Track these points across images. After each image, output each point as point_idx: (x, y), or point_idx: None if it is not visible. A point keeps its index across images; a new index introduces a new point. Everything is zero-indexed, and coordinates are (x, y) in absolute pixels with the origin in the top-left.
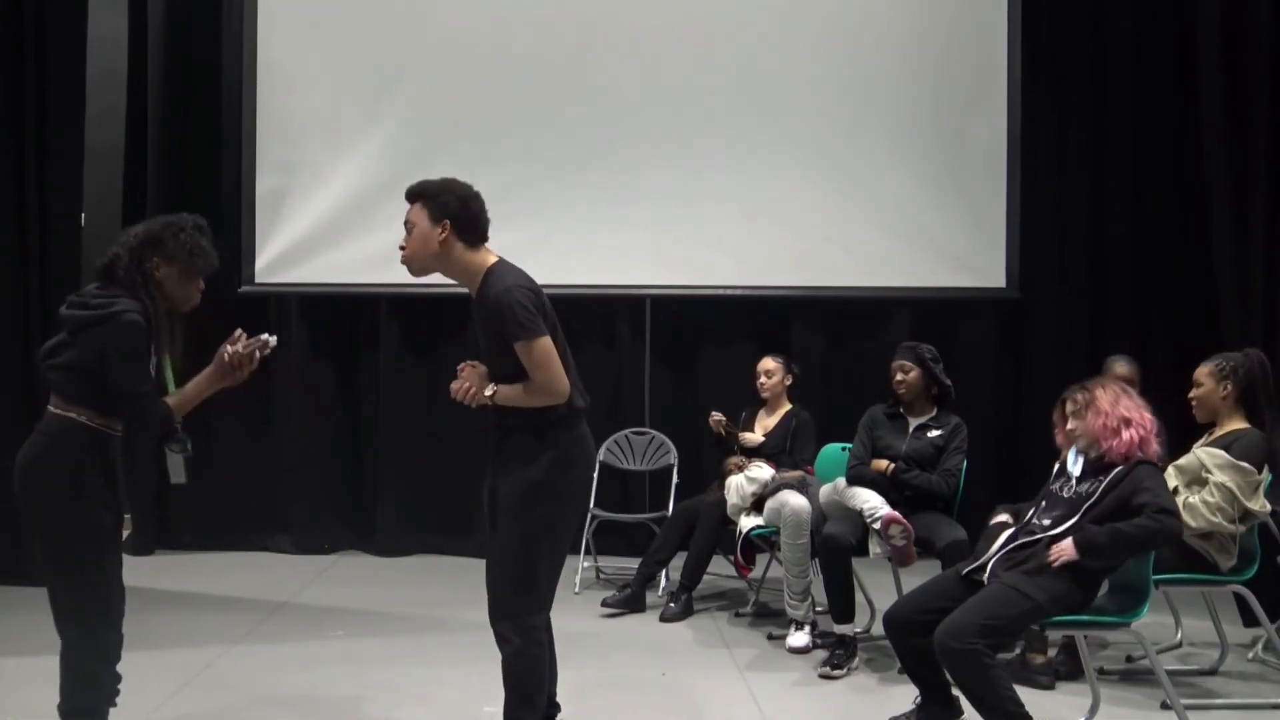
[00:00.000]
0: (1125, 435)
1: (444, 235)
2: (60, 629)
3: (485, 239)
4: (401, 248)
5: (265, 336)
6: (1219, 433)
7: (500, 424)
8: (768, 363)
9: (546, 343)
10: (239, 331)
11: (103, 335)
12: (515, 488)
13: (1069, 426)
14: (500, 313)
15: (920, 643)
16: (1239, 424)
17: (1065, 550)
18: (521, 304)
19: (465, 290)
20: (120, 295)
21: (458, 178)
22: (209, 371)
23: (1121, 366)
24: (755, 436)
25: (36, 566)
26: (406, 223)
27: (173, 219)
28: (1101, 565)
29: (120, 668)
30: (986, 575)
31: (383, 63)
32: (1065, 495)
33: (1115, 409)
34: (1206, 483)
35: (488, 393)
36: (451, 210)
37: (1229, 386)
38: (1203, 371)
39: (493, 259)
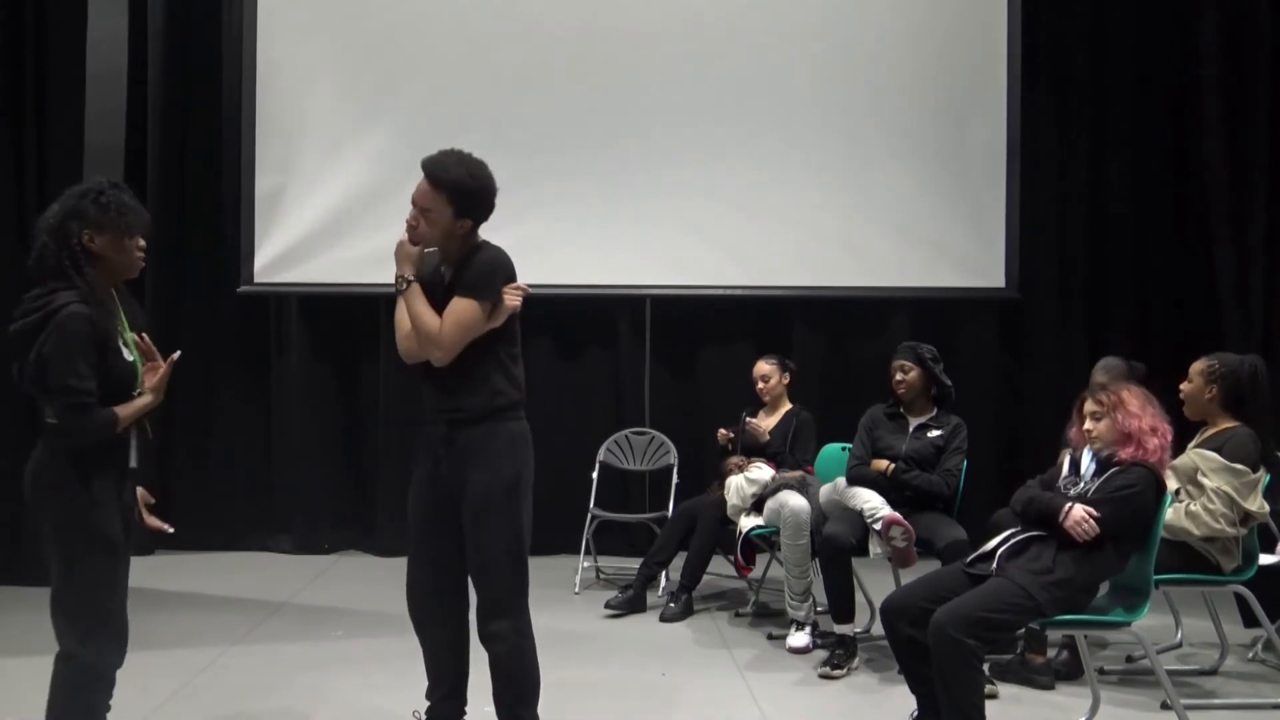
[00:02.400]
0: (1151, 443)
1: (464, 231)
2: (68, 650)
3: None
4: (411, 224)
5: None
6: (1210, 432)
7: (454, 413)
8: (762, 366)
9: (480, 315)
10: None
11: (46, 336)
12: (494, 484)
13: (1087, 427)
14: (481, 265)
15: (914, 633)
16: (1228, 423)
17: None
18: (506, 272)
19: None
20: (57, 288)
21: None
22: (143, 404)
23: (1100, 376)
24: (762, 429)
25: (43, 571)
26: (425, 209)
27: (86, 185)
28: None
29: (121, 668)
30: (994, 565)
31: (382, 63)
32: (1072, 493)
33: (1144, 414)
34: (1203, 486)
35: (408, 274)
36: (477, 213)
37: (1214, 390)
38: (1196, 368)
39: (479, 237)
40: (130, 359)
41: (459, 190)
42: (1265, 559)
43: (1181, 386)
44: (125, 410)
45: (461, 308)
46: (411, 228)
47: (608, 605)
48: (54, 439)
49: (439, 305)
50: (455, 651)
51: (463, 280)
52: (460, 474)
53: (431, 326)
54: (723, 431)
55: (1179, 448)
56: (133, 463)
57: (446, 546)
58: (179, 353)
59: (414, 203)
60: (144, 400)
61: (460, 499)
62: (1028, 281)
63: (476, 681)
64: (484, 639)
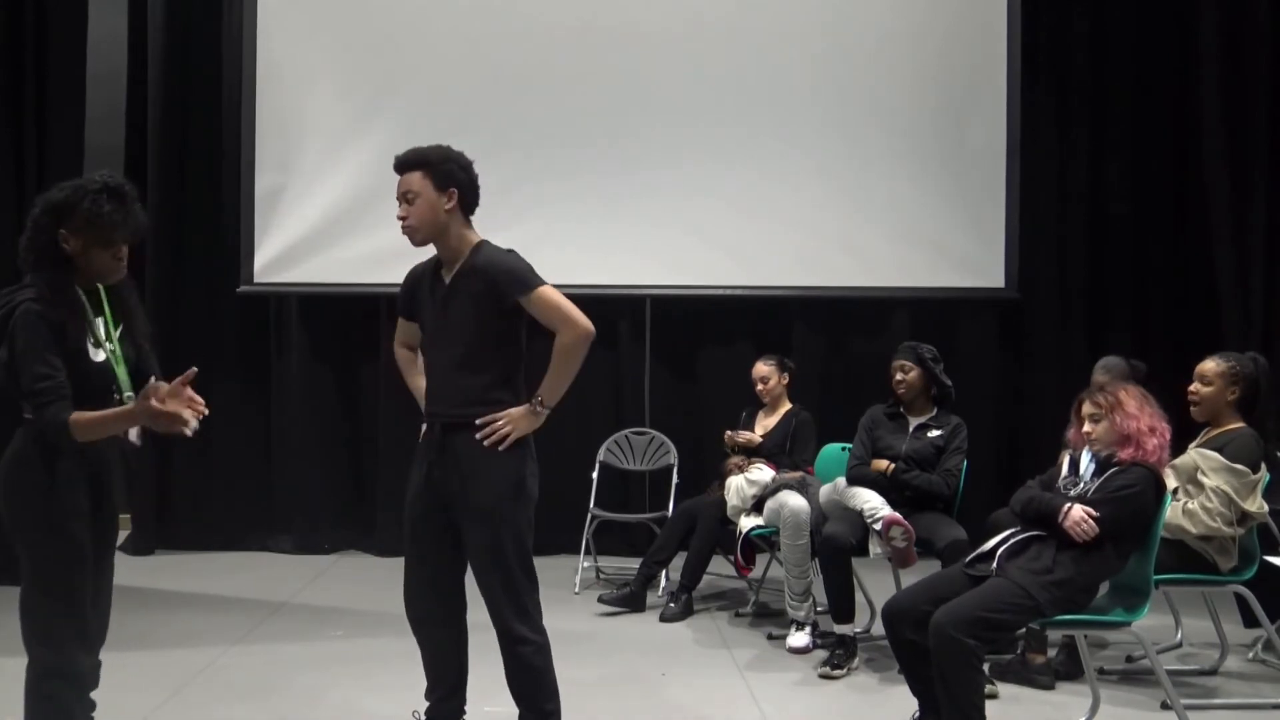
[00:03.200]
0: (1150, 444)
1: (450, 205)
2: (30, 652)
3: (473, 212)
4: (401, 218)
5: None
6: (1215, 432)
7: (449, 417)
8: (761, 368)
9: (552, 289)
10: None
11: (8, 338)
12: (496, 489)
13: (1086, 429)
14: (501, 271)
15: (915, 637)
16: (1234, 424)
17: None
18: (525, 264)
19: None
20: (23, 285)
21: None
22: (120, 413)
23: (1101, 375)
24: (754, 436)
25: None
26: (407, 193)
27: (79, 183)
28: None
29: (120, 668)
30: (994, 565)
31: (383, 63)
32: (1072, 494)
33: (1142, 415)
34: (1203, 485)
35: (524, 426)
36: (458, 179)
37: (1236, 391)
38: (1212, 369)
39: (478, 237)
40: (99, 360)
41: (429, 161)
42: (1275, 560)
43: (1195, 389)
44: (81, 417)
45: (546, 297)
46: (402, 219)
47: (601, 599)
48: (28, 435)
49: (437, 312)
50: (454, 651)
51: (507, 291)
52: (457, 481)
53: (563, 354)
54: (730, 434)
55: (1179, 447)
56: (135, 441)
57: (443, 547)
58: (194, 369)
59: (399, 199)
60: (117, 411)
61: (457, 505)
62: (1028, 281)
63: (476, 681)
64: (510, 642)
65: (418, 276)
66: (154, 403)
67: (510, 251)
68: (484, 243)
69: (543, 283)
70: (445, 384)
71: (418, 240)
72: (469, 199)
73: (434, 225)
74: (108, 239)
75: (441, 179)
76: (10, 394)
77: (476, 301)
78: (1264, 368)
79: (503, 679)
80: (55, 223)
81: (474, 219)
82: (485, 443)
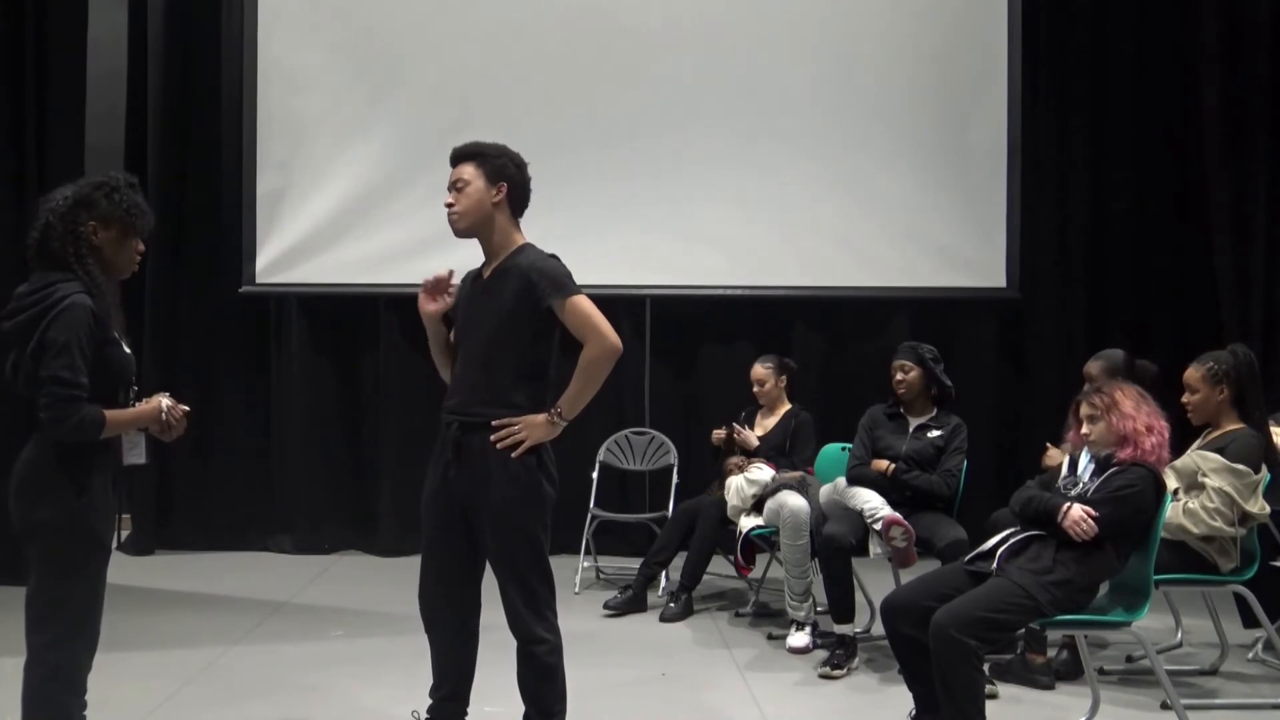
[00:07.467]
0: (1148, 443)
1: (499, 197)
2: (38, 656)
3: (522, 214)
4: (449, 205)
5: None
6: (1215, 434)
7: (465, 417)
8: (758, 371)
9: (588, 301)
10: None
11: (46, 325)
12: (512, 492)
13: (1084, 431)
14: (539, 273)
15: (915, 633)
16: (1234, 424)
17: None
18: (565, 270)
19: None
20: (56, 280)
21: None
22: (141, 412)
23: (1092, 365)
24: (752, 436)
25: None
26: (457, 182)
27: (102, 178)
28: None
29: (120, 668)
30: (995, 564)
31: (383, 63)
32: (1072, 494)
33: (1139, 414)
34: (1204, 486)
35: (540, 434)
36: (509, 174)
37: (1224, 389)
38: (1194, 376)
39: (524, 238)
40: (128, 351)
41: (484, 153)
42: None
43: (1185, 399)
44: (116, 416)
45: (579, 308)
46: (449, 207)
47: (606, 605)
48: (48, 436)
49: (471, 307)
50: (463, 652)
51: (540, 294)
52: (473, 481)
53: (588, 366)
54: (718, 433)
55: (1180, 450)
56: (143, 459)
57: (458, 547)
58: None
59: (449, 188)
60: (137, 410)
61: (473, 505)
62: (1028, 281)
63: (477, 682)
64: (528, 642)
65: (468, 278)
66: (166, 402)
67: (553, 256)
68: (528, 245)
69: (579, 291)
70: (468, 381)
71: (460, 228)
72: (518, 197)
73: (479, 216)
74: (135, 229)
75: (493, 172)
76: (24, 389)
77: (511, 300)
78: (1245, 358)
79: (503, 679)
80: (86, 215)
81: None
82: (498, 446)
